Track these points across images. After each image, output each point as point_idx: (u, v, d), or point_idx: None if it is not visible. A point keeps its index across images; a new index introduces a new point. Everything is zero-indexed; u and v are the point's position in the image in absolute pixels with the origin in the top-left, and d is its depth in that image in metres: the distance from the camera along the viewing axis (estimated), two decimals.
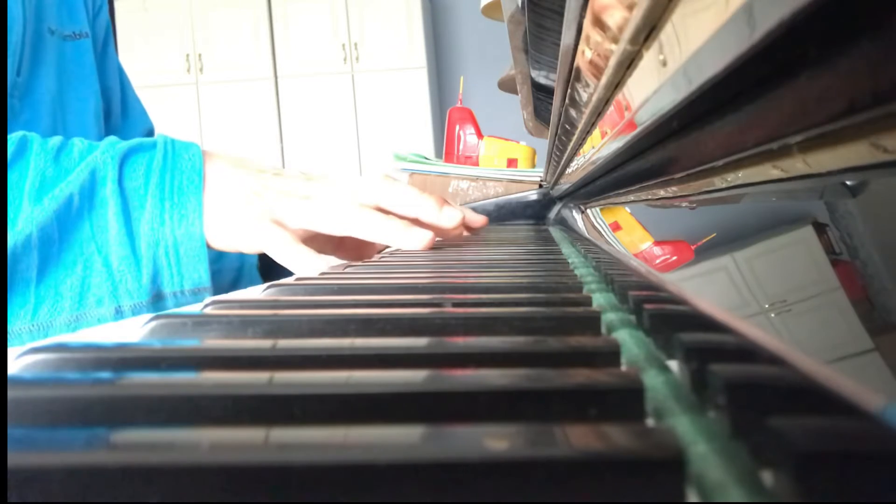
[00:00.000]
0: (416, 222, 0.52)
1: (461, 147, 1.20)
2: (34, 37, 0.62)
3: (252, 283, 0.66)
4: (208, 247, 0.49)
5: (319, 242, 0.56)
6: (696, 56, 0.15)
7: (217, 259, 0.60)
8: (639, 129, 0.25)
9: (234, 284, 0.66)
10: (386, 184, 0.52)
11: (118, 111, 0.78)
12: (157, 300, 0.47)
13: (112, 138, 0.49)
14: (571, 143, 0.53)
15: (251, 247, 0.49)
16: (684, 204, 0.35)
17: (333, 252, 0.60)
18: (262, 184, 0.50)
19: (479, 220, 0.79)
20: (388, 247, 0.59)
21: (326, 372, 0.14)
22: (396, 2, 3.26)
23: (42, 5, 0.63)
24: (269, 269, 0.66)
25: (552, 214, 1.05)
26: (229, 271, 0.66)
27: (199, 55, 3.32)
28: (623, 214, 0.60)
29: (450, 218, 0.53)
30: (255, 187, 0.49)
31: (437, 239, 0.57)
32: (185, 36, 3.31)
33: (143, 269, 0.46)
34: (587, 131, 0.43)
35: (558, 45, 0.37)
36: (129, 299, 0.46)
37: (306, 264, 0.48)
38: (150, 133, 0.84)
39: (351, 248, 0.61)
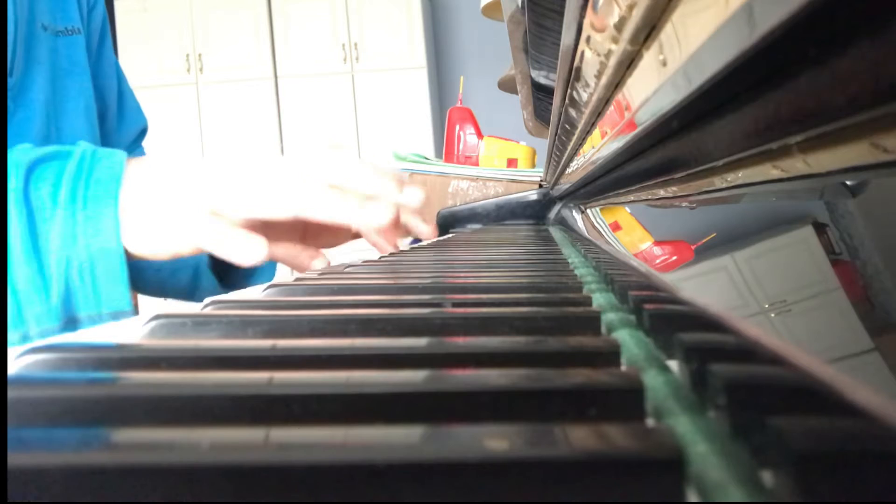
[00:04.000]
0: None
1: (461, 147, 1.20)
2: (27, 34, 0.61)
3: (210, 281, 0.60)
4: (135, 258, 0.43)
5: (275, 233, 0.51)
6: (696, 56, 0.15)
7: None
8: (639, 129, 0.25)
9: (194, 282, 0.60)
10: (338, 159, 0.46)
11: (114, 110, 0.77)
12: (69, 324, 0.42)
13: (25, 145, 0.44)
14: (571, 143, 0.53)
15: (188, 246, 0.43)
16: (684, 204, 0.35)
17: (295, 243, 0.53)
18: (195, 174, 0.44)
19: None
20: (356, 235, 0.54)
21: (326, 372, 0.14)
22: (396, 2, 3.26)
23: (34, 1, 0.62)
24: (223, 268, 0.61)
25: (552, 214, 1.05)
26: (185, 269, 0.60)
27: (199, 55, 3.32)
28: (623, 214, 0.60)
29: (412, 196, 0.47)
30: (188, 179, 0.43)
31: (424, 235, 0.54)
32: (185, 36, 3.31)
33: (52, 291, 0.41)
34: (587, 131, 0.43)
35: (558, 45, 0.37)
36: (37, 325, 0.41)
37: (250, 251, 0.42)
38: (145, 131, 0.82)
39: (312, 237, 0.54)
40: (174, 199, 0.43)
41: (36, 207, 0.41)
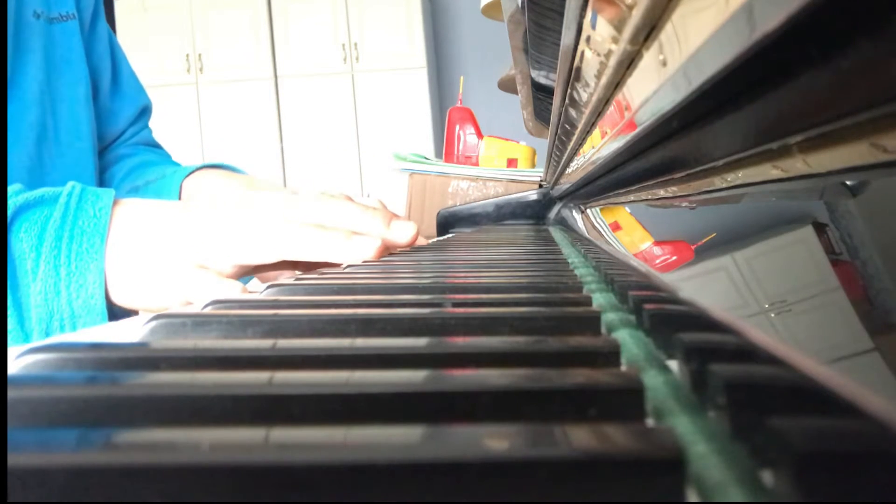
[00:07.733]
0: None
1: (461, 147, 1.20)
2: (17, 23, 0.59)
3: None
4: (124, 310, 0.43)
5: (270, 273, 0.50)
6: (696, 56, 0.15)
7: None
8: (639, 129, 0.25)
9: None
10: (323, 198, 0.47)
11: (107, 89, 0.74)
12: None
13: (13, 187, 0.42)
14: (571, 143, 0.53)
15: (176, 299, 0.43)
16: (684, 204, 0.35)
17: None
18: (179, 226, 0.43)
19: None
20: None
21: (326, 372, 0.14)
22: (396, 2, 3.26)
23: None
24: None
25: (552, 214, 1.05)
26: None
27: (199, 55, 3.32)
28: (623, 214, 0.60)
29: (401, 232, 0.47)
30: (173, 233, 0.43)
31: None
32: (185, 36, 3.31)
33: (32, 341, 0.38)
34: (587, 131, 0.43)
35: (558, 45, 0.37)
36: None
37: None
38: (147, 111, 0.79)
39: (305, 270, 0.53)
40: (160, 253, 0.42)
41: (19, 260, 0.40)
